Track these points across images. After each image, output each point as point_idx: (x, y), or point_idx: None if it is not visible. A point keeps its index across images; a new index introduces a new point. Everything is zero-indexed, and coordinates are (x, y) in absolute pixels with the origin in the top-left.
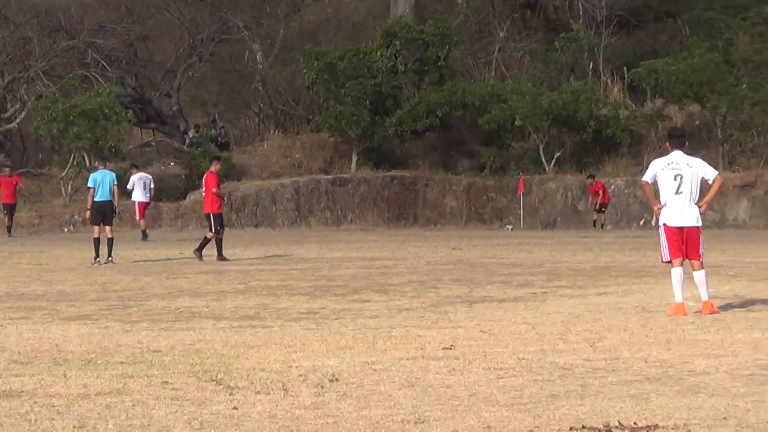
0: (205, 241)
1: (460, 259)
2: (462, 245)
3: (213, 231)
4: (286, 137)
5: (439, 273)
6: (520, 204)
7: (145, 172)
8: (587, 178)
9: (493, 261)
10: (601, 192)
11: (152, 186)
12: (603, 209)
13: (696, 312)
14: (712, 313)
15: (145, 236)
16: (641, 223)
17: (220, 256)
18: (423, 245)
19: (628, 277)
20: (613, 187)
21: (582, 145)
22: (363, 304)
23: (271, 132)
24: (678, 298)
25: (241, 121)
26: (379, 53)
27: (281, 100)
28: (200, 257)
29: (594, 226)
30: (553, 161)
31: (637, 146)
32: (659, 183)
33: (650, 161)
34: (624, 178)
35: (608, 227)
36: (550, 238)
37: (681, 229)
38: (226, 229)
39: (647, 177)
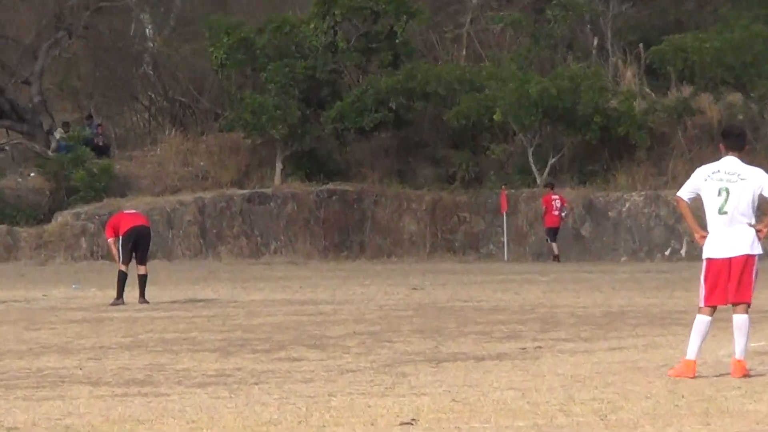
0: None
1: (423, 303)
2: (426, 283)
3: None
4: (187, 139)
5: (395, 321)
6: (503, 228)
7: None
8: (545, 186)
9: (468, 305)
10: (544, 208)
11: None
12: (549, 237)
13: (722, 375)
14: (744, 376)
15: None
16: (667, 252)
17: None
18: (373, 283)
19: (649, 326)
20: (628, 204)
21: (585, 148)
22: (292, 364)
23: (167, 132)
24: (691, 353)
25: (126, 118)
26: (312, 25)
27: (179, 88)
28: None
29: (556, 259)
30: (547, 170)
31: (659, 149)
32: (703, 199)
33: (675, 168)
34: (642, 193)
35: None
36: (545, 273)
37: (728, 261)
38: (106, 264)
39: (684, 191)
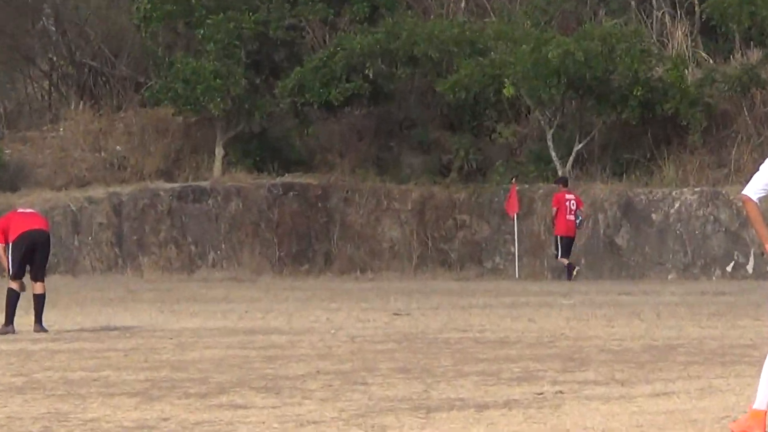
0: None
1: (409, 333)
2: (412, 307)
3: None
4: (99, 115)
5: (371, 357)
6: (513, 235)
7: None
8: (555, 182)
9: (468, 336)
10: (555, 210)
11: None
12: (557, 249)
13: None
14: None
15: None
16: (728, 268)
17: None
18: (342, 307)
19: (705, 365)
20: (678, 204)
21: (621, 130)
22: (236, 413)
23: (72, 106)
24: (761, 402)
25: (19, 88)
26: None
27: (90, 49)
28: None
29: (569, 275)
30: (571, 158)
31: (719, 133)
32: None
33: (740, 158)
34: (696, 189)
35: (573, 276)
36: (568, 293)
37: None
38: None
39: (752, 189)
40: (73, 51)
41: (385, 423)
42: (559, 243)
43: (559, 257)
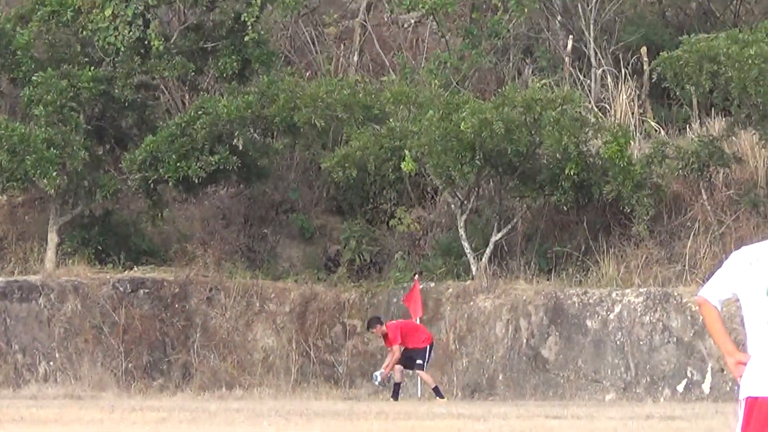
0: None
1: None
2: None
3: None
4: None
5: None
6: None
7: None
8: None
9: None
10: (394, 333)
11: None
12: (412, 362)
13: None
14: None
15: None
16: (680, 387)
17: None
18: (204, 431)
19: None
20: (618, 308)
21: (550, 217)
22: None
23: None
24: None
25: None
26: (109, 12)
27: None
28: None
29: (393, 395)
30: (488, 251)
31: (670, 221)
32: (742, 302)
33: (696, 252)
34: (642, 290)
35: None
36: (483, 415)
37: None
38: None
39: (711, 290)
40: None
41: None
42: (429, 354)
43: (425, 369)
